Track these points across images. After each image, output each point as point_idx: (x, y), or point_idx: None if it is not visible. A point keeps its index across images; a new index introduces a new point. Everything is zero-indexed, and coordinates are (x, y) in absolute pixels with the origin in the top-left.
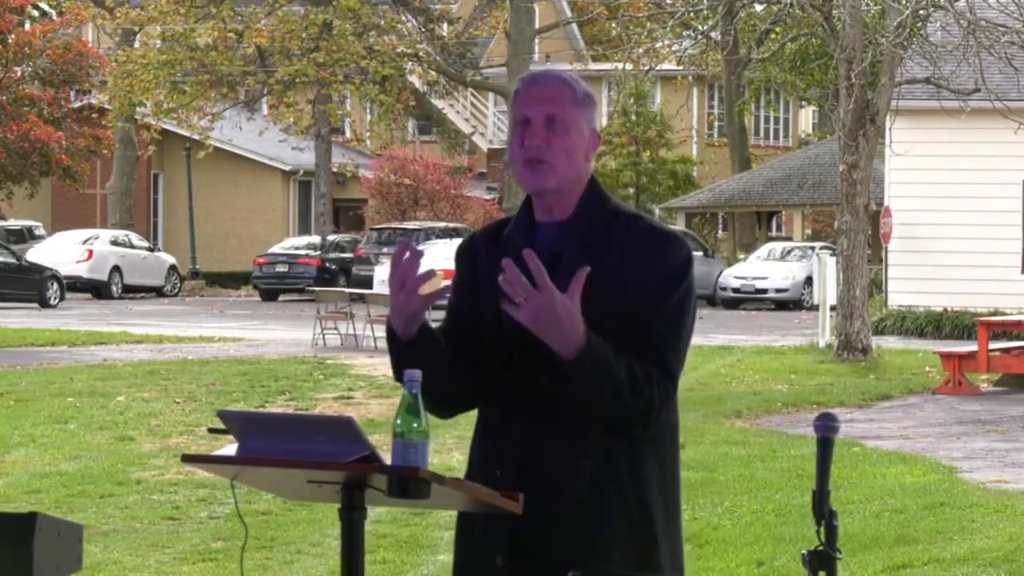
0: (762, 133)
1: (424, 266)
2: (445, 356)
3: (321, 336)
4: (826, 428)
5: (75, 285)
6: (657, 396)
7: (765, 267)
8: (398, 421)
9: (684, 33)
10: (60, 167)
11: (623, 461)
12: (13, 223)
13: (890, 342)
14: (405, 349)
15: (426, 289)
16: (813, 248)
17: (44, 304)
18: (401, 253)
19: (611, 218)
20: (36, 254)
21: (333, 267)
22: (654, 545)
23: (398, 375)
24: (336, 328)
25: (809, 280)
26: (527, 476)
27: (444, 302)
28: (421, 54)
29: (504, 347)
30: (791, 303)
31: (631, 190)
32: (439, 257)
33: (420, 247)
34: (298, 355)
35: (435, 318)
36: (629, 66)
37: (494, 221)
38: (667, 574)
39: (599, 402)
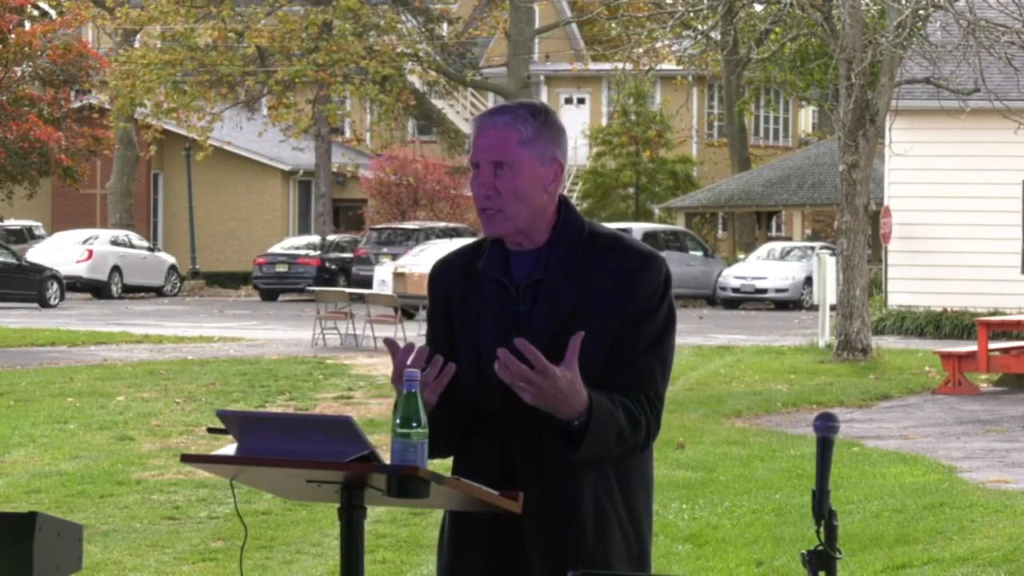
0: (762, 133)
1: (415, 343)
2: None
3: (321, 336)
4: (826, 428)
5: (75, 285)
6: (652, 419)
7: (765, 267)
8: (397, 421)
9: (684, 33)
10: (60, 167)
11: (613, 479)
12: (13, 223)
13: (890, 342)
14: (438, 424)
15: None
16: (813, 248)
17: (44, 304)
18: (404, 355)
19: (588, 242)
20: (36, 254)
21: (333, 267)
22: (645, 553)
23: (444, 444)
24: (336, 328)
25: (809, 280)
26: (525, 500)
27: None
28: (421, 54)
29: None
30: (791, 303)
31: (631, 190)
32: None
33: (419, 248)
34: (298, 355)
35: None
36: (629, 66)
37: (466, 245)
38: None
39: (607, 449)
